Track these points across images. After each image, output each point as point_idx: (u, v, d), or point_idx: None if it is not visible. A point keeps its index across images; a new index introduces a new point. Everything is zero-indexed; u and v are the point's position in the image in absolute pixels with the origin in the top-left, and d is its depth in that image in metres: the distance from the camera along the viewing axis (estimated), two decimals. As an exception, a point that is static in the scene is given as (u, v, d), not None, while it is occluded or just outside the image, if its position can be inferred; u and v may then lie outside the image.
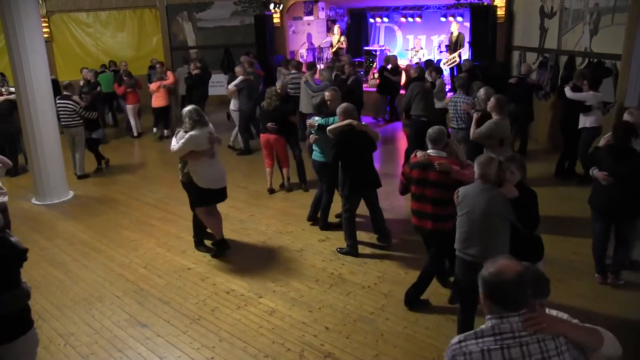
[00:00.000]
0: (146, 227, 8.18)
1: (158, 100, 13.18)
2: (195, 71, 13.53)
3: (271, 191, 9.39)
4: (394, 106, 14.27)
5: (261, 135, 9.27)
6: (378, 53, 16.46)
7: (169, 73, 13.38)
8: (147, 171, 11.25)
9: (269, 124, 8.89)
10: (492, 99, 7.20)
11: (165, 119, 13.66)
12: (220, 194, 6.98)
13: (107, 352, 5.21)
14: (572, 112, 9.06)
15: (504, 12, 13.14)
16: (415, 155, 5.55)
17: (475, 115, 7.57)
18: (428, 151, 5.49)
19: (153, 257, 7.18)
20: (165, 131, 13.67)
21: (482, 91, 7.95)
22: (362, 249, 7.11)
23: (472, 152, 7.25)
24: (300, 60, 15.95)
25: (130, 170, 11.29)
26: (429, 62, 12.15)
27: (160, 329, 5.54)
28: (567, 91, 9.12)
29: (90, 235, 7.88)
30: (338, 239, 7.44)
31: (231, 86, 11.55)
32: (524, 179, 4.71)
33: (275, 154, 9.20)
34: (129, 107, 13.69)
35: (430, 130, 5.56)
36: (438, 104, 10.00)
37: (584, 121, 8.85)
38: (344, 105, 6.94)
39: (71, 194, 9.64)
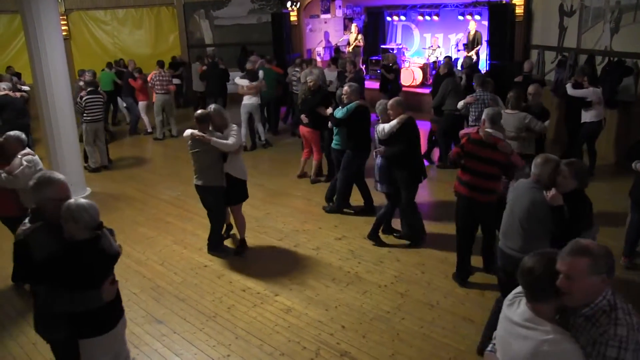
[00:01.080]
0: (162, 224, 8.21)
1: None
2: (203, 67, 13.91)
3: (301, 176, 9.97)
4: None
5: (300, 127, 9.81)
6: (395, 51, 16.41)
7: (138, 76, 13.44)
8: (163, 168, 11.29)
9: (302, 116, 9.39)
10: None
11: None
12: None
13: (123, 348, 5.23)
14: (575, 108, 9.30)
15: (522, 11, 13.01)
16: (477, 132, 5.82)
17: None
18: (488, 130, 5.71)
19: (169, 254, 7.20)
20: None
21: (531, 88, 8.07)
22: (378, 249, 7.10)
23: None
24: (318, 58, 15.96)
25: (146, 167, 11.34)
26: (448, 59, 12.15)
27: (177, 326, 5.55)
28: (569, 88, 9.27)
29: (107, 232, 7.91)
30: (355, 237, 7.43)
31: (261, 81, 11.73)
32: (583, 187, 4.40)
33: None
34: (141, 105, 13.83)
35: (489, 111, 5.84)
36: (459, 104, 9.91)
37: (586, 116, 9.15)
38: (397, 99, 6.98)
39: (88, 190, 9.68)
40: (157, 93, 13.22)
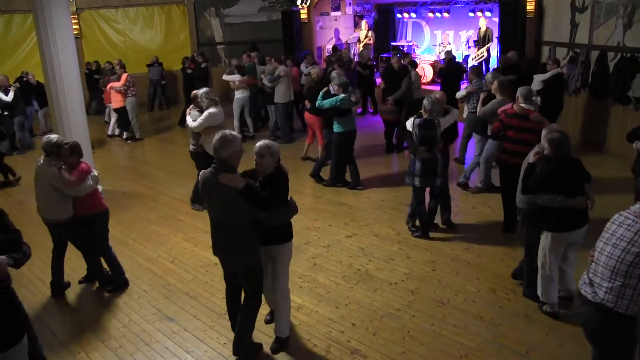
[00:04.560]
0: (174, 221, 8.24)
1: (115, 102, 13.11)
2: (205, 64, 14.42)
3: (304, 159, 10.86)
4: (374, 99, 14.49)
5: (305, 113, 10.69)
6: (405, 49, 16.36)
7: (123, 76, 13.00)
8: (174, 166, 11.30)
9: (306, 102, 10.19)
10: (495, 82, 8.04)
11: (123, 120, 13.47)
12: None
13: (135, 346, 5.26)
14: (557, 92, 10.28)
15: (533, 7, 12.93)
16: (512, 107, 6.91)
17: (481, 95, 8.39)
18: (521, 104, 6.79)
19: (180, 252, 7.22)
20: (125, 133, 13.61)
21: (488, 75, 8.73)
22: (388, 246, 7.10)
23: (479, 128, 8.75)
24: (327, 55, 15.94)
25: (158, 166, 11.38)
26: (405, 54, 13.15)
27: (187, 324, 5.57)
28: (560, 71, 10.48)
29: (118, 230, 7.94)
30: (365, 235, 7.44)
31: (227, 77, 12.57)
32: (560, 154, 5.01)
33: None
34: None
35: (521, 89, 6.91)
36: (460, 93, 10.02)
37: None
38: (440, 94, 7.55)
39: (100, 188, 9.69)
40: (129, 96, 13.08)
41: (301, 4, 16.85)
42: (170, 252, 7.22)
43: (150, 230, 8.00)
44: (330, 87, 9.01)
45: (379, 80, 13.90)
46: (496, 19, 14.31)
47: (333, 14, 18.30)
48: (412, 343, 5.09)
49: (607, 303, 3.46)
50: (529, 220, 5.57)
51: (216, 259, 6.85)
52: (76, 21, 16.52)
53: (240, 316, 4.88)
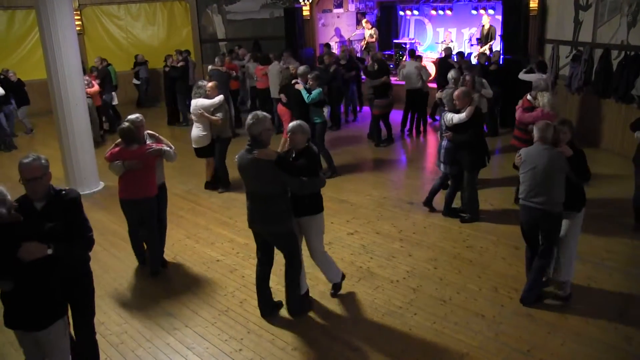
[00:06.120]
0: (175, 218, 8.21)
1: None
2: (181, 63, 14.25)
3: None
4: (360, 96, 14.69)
5: (278, 106, 10.40)
6: (408, 46, 16.32)
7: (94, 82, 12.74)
8: (176, 162, 11.25)
9: (281, 96, 9.84)
10: (469, 78, 8.47)
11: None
12: (195, 151, 9.21)
13: (136, 342, 5.26)
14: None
15: (536, 5, 12.87)
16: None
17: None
18: (529, 94, 7.85)
19: (182, 249, 7.22)
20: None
21: (452, 73, 8.84)
22: (390, 243, 7.10)
23: None
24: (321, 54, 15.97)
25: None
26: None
27: (189, 320, 5.57)
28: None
29: (120, 226, 7.90)
30: (367, 232, 7.43)
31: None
32: (573, 139, 5.39)
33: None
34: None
35: (536, 82, 8.00)
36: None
37: None
38: (464, 89, 7.54)
39: (102, 184, 9.73)
40: None
41: (303, 1, 16.83)
42: (172, 249, 7.20)
43: (151, 226, 7.98)
44: (300, 83, 9.29)
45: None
46: (499, 17, 14.26)
47: (335, 11, 18.28)
48: (414, 341, 5.08)
49: None
50: (553, 216, 5.34)
51: (218, 256, 6.94)
52: (78, 17, 16.53)
53: (286, 280, 5.55)
